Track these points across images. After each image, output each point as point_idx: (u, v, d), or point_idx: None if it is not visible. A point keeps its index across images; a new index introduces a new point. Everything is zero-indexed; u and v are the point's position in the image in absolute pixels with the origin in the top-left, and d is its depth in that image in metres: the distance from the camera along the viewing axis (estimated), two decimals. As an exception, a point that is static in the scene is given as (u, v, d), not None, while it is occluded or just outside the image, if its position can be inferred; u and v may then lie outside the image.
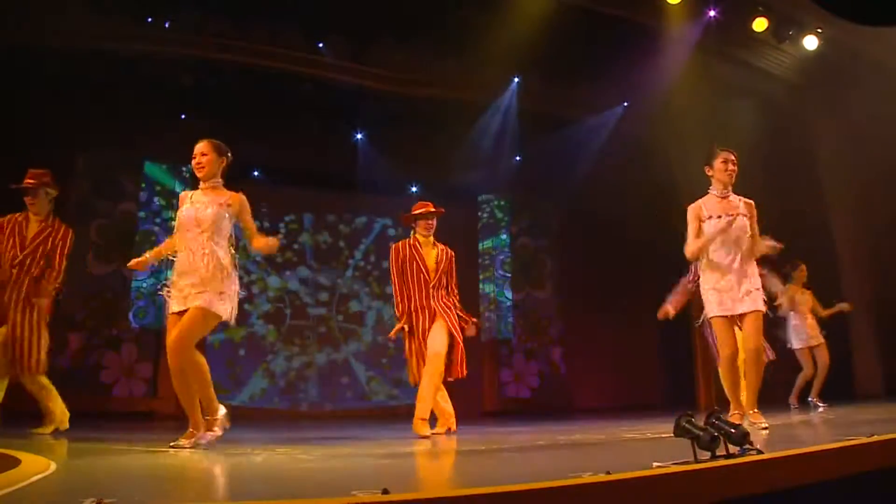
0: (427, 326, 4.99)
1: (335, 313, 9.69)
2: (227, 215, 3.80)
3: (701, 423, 2.22)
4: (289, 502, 1.79)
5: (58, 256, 4.96)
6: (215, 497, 2.15)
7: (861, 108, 7.91)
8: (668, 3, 7.66)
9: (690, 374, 9.36)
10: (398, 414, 8.65)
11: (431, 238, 5.22)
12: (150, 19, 7.46)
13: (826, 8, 6.19)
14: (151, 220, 8.64)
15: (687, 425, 2.21)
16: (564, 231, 10.47)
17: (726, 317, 4.26)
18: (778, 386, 7.15)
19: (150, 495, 2.20)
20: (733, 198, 4.35)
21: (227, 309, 3.68)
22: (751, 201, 4.38)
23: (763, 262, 4.67)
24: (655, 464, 2.06)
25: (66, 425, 4.91)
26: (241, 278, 3.91)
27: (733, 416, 4.40)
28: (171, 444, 3.58)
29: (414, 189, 9.75)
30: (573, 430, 4.87)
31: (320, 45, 8.11)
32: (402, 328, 5.07)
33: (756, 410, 4.19)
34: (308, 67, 8.10)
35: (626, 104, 9.26)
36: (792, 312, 7.15)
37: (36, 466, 2.57)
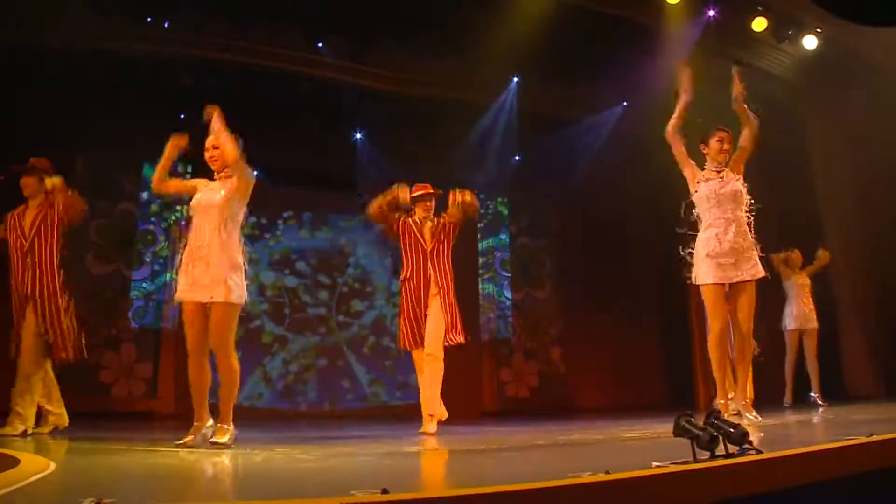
0: (422, 296, 5.08)
1: (335, 313, 9.68)
2: (237, 199, 3.88)
3: (700, 423, 2.22)
4: (288, 502, 1.79)
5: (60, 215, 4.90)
6: (215, 497, 2.15)
7: (860, 108, 7.91)
8: (668, 3, 7.66)
9: (690, 374, 9.36)
10: (398, 414, 8.65)
11: (431, 218, 5.30)
12: (149, 19, 7.45)
13: (825, 8, 6.20)
14: (151, 220, 8.64)
15: (686, 425, 2.21)
16: (564, 231, 10.47)
17: (720, 285, 4.29)
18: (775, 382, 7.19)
19: (150, 495, 2.20)
20: (726, 174, 4.47)
21: (242, 295, 3.77)
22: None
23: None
24: (655, 464, 2.06)
25: (66, 422, 4.91)
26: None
27: (720, 405, 4.41)
28: (177, 442, 3.60)
29: (412, 189, 9.72)
30: (573, 430, 4.87)
31: (320, 45, 8.10)
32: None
33: (747, 401, 4.20)
34: (308, 67, 8.09)
35: (625, 104, 9.26)
36: (791, 295, 7.24)
37: (35, 466, 2.57)
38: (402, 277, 5.28)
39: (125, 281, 8.31)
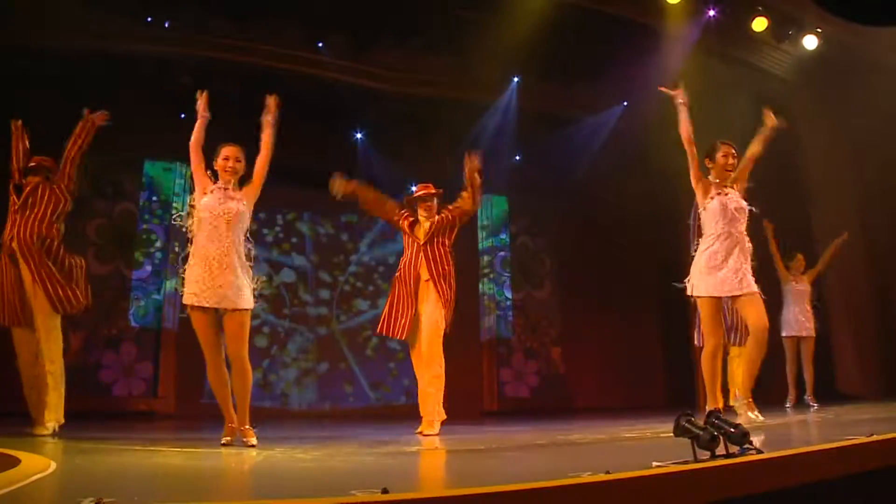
0: (411, 282, 5.01)
1: (335, 313, 9.68)
2: (245, 209, 3.94)
3: (701, 423, 2.22)
4: (288, 502, 1.79)
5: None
6: (215, 496, 2.15)
7: (861, 108, 7.91)
8: (668, 3, 7.67)
9: (690, 375, 9.36)
10: (398, 414, 8.64)
11: (433, 217, 5.21)
12: (150, 19, 7.46)
13: (826, 8, 6.20)
14: (151, 219, 8.64)
15: (687, 425, 2.21)
16: (564, 231, 10.47)
17: (717, 300, 4.27)
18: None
19: (150, 495, 2.20)
20: (731, 189, 4.46)
21: (251, 299, 3.84)
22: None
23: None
24: (655, 463, 2.06)
25: (62, 420, 4.89)
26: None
27: (738, 405, 4.41)
28: (222, 442, 3.70)
29: (413, 188, 9.71)
30: (573, 430, 4.87)
31: (320, 44, 8.11)
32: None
33: (750, 399, 4.17)
34: (308, 67, 8.10)
35: (625, 104, 9.26)
36: (788, 301, 7.22)
37: (36, 466, 2.57)
38: (397, 271, 5.22)
39: (125, 281, 8.32)
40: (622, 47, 7.82)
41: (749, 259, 4.34)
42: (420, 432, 4.80)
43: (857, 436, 2.56)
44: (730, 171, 4.42)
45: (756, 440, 2.29)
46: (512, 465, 2.92)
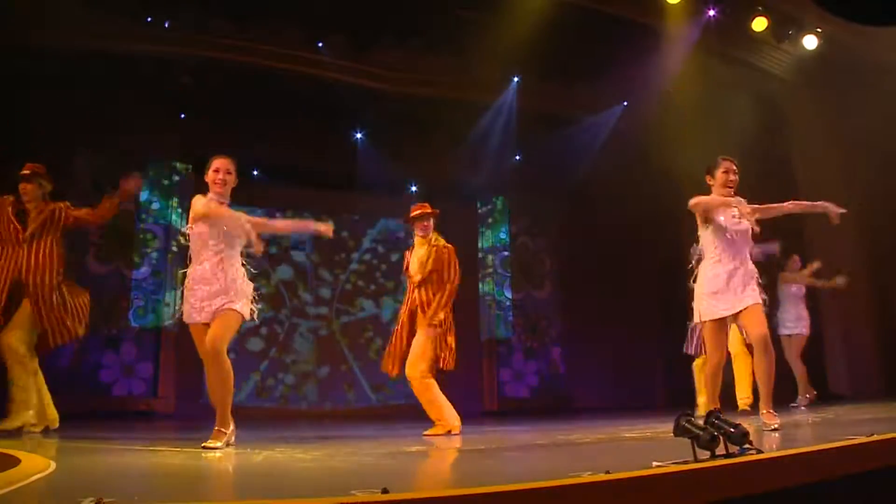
0: (406, 321, 5.15)
1: (336, 313, 9.68)
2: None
3: (700, 423, 2.22)
4: (288, 501, 1.79)
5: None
6: (215, 496, 2.15)
7: (861, 108, 7.91)
8: (668, 3, 7.67)
9: (690, 374, 9.35)
10: (398, 414, 8.64)
11: (430, 237, 5.26)
12: (150, 19, 7.45)
13: (826, 8, 6.20)
14: (151, 220, 8.63)
15: (687, 425, 2.22)
16: (564, 230, 10.47)
17: (720, 320, 4.20)
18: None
19: (150, 495, 2.20)
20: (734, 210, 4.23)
21: (248, 310, 3.80)
22: (741, 199, 4.27)
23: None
24: (655, 463, 2.06)
25: (56, 424, 4.88)
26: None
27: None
28: (203, 444, 3.61)
29: (413, 189, 9.76)
30: (573, 430, 4.87)
31: (320, 44, 8.11)
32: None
33: (770, 410, 4.01)
34: (308, 67, 8.10)
35: (625, 104, 9.27)
36: (781, 301, 7.25)
37: (36, 466, 2.57)
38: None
39: (125, 281, 8.31)
40: (622, 47, 7.82)
41: (754, 279, 4.18)
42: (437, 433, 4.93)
43: (857, 436, 2.56)
44: (731, 187, 4.21)
45: (756, 440, 2.29)
46: (512, 465, 2.92)
